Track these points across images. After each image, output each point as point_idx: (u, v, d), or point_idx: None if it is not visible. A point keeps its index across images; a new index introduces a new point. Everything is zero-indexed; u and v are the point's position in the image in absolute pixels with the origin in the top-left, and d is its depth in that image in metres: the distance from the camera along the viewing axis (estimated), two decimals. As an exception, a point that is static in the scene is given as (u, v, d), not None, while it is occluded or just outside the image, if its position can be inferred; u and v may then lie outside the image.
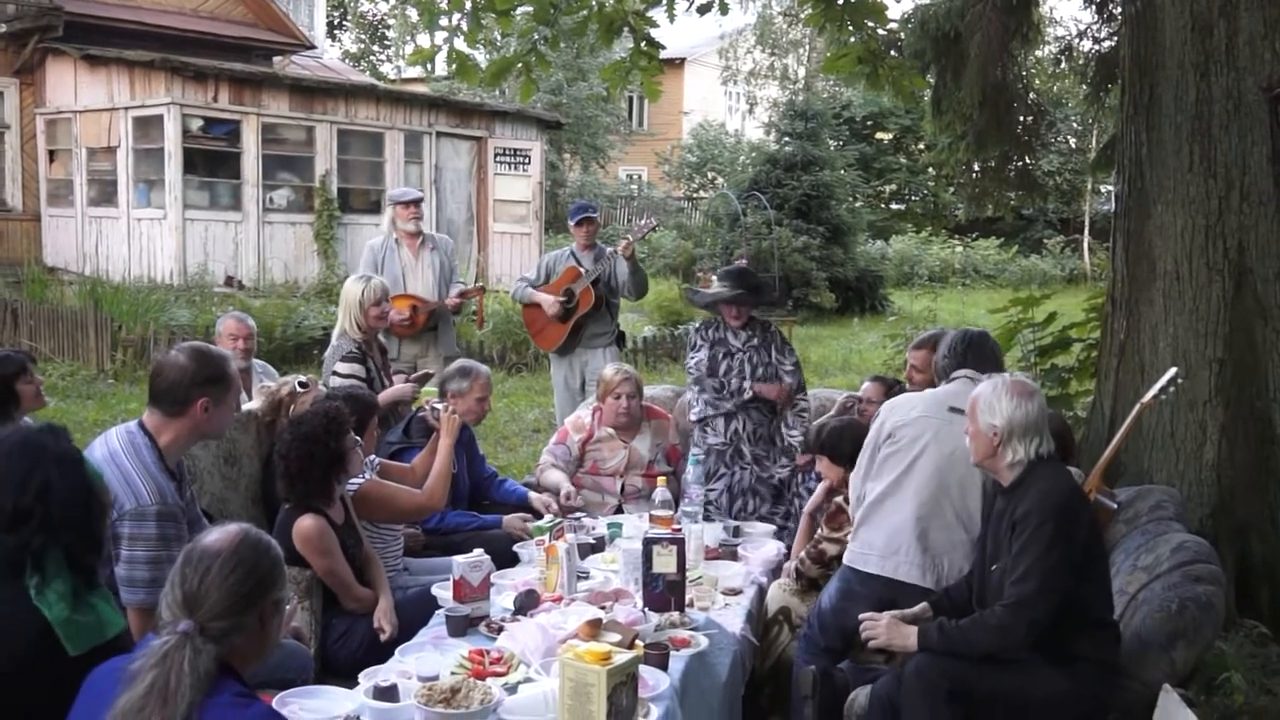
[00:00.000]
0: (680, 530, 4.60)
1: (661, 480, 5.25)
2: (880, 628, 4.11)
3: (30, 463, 2.90)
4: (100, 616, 2.94)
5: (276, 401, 5.41)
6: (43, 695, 2.73)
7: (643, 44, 6.56)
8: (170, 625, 2.40)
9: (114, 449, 3.74)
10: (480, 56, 8.78)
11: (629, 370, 6.44)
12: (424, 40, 40.30)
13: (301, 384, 5.48)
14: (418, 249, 7.98)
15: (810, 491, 5.77)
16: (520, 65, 6.47)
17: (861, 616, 4.25)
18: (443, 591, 4.36)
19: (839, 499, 5.00)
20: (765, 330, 6.43)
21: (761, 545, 5.49)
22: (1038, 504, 3.83)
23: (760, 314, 6.67)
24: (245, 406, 5.48)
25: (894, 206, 36.89)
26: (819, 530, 5.03)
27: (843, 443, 5.09)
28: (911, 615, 4.19)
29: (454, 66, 6.05)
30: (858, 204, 28.05)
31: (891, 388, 6.24)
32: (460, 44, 6.08)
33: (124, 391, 12.45)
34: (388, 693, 3.39)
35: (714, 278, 6.85)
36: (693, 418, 6.44)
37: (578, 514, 5.67)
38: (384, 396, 6.13)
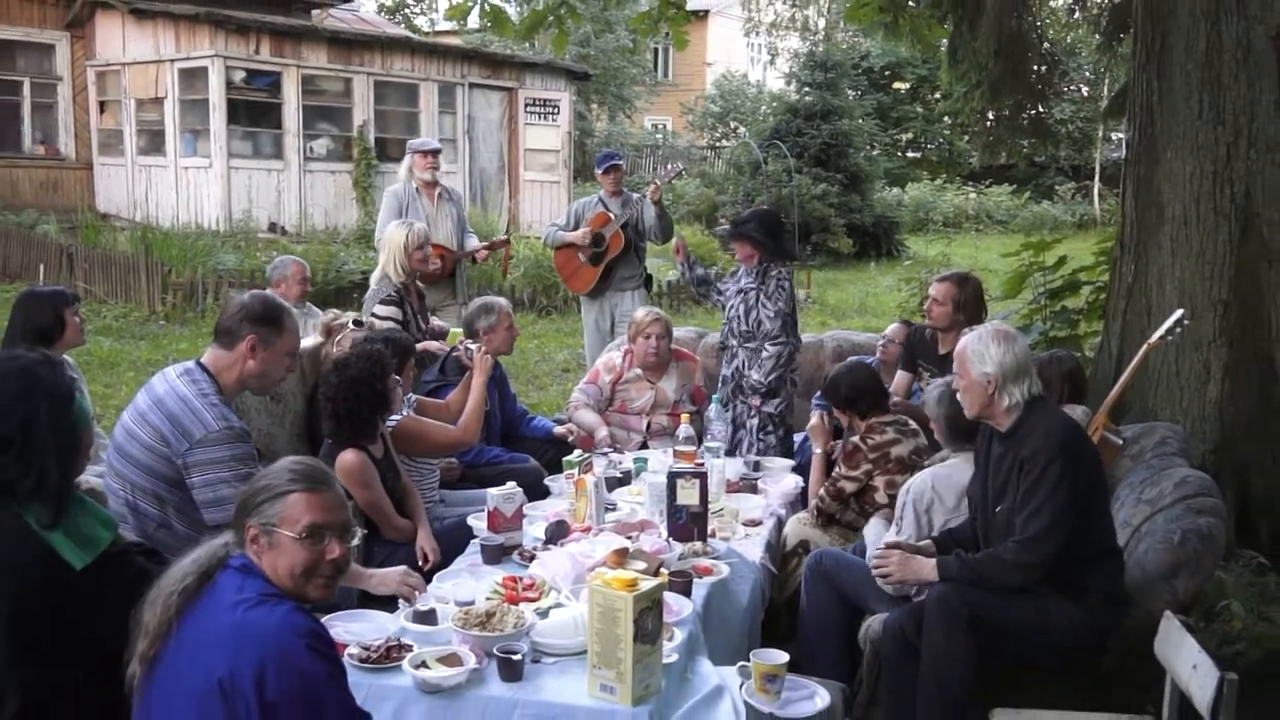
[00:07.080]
0: (703, 465, 4.76)
1: (685, 417, 5.42)
2: (892, 563, 4.20)
3: (21, 392, 2.79)
4: (87, 527, 2.87)
5: (330, 327, 5.60)
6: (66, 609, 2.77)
7: (670, -4, 6.65)
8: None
9: (173, 383, 3.90)
10: (511, 10, 8.91)
11: (659, 312, 6.59)
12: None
13: (356, 322, 5.66)
14: (436, 199, 8.17)
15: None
16: (552, 18, 6.58)
17: (873, 551, 4.38)
18: (478, 522, 4.52)
19: (855, 439, 5.14)
20: (766, 275, 6.41)
21: (780, 479, 5.65)
22: (1044, 444, 3.92)
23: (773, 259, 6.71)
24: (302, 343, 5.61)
25: (910, 154, 36.75)
26: (836, 468, 5.15)
27: (839, 389, 5.28)
28: (919, 552, 4.29)
29: (488, 22, 6.15)
30: (875, 152, 27.99)
31: (912, 328, 6.39)
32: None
33: (174, 332, 12.75)
34: (427, 616, 3.57)
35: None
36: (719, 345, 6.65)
37: (605, 450, 5.85)
38: (421, 349, 6.29)
